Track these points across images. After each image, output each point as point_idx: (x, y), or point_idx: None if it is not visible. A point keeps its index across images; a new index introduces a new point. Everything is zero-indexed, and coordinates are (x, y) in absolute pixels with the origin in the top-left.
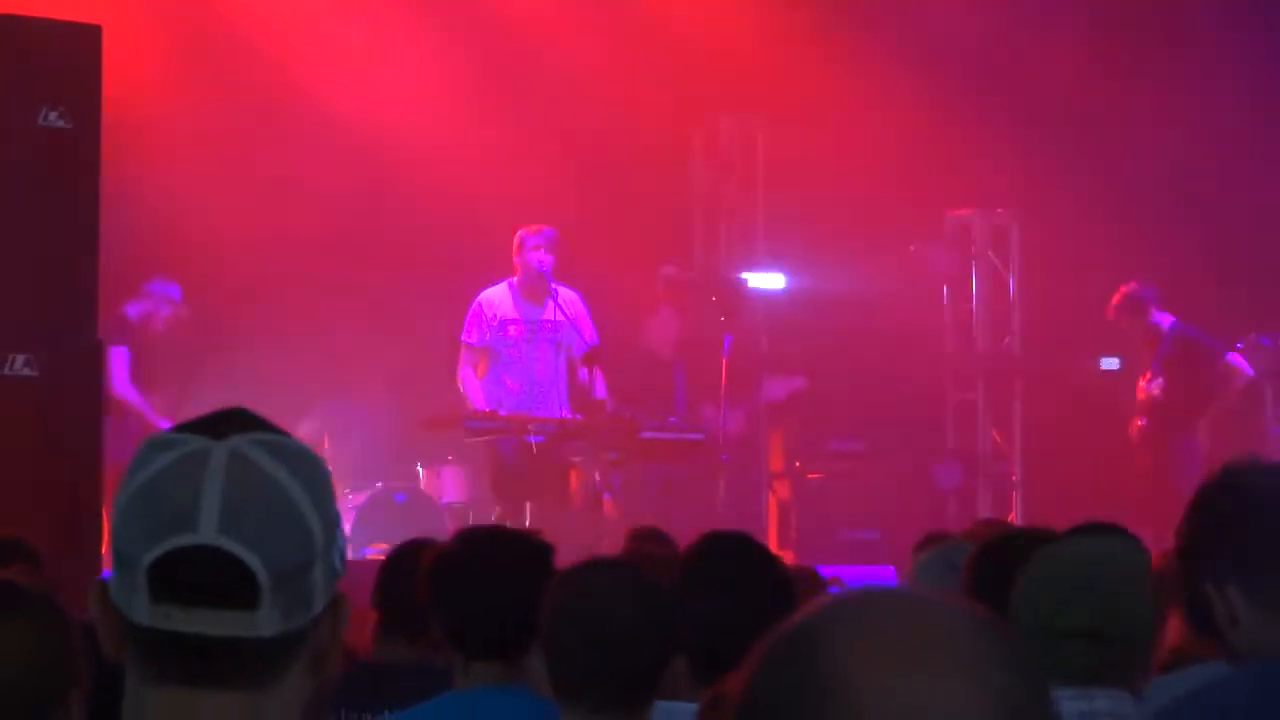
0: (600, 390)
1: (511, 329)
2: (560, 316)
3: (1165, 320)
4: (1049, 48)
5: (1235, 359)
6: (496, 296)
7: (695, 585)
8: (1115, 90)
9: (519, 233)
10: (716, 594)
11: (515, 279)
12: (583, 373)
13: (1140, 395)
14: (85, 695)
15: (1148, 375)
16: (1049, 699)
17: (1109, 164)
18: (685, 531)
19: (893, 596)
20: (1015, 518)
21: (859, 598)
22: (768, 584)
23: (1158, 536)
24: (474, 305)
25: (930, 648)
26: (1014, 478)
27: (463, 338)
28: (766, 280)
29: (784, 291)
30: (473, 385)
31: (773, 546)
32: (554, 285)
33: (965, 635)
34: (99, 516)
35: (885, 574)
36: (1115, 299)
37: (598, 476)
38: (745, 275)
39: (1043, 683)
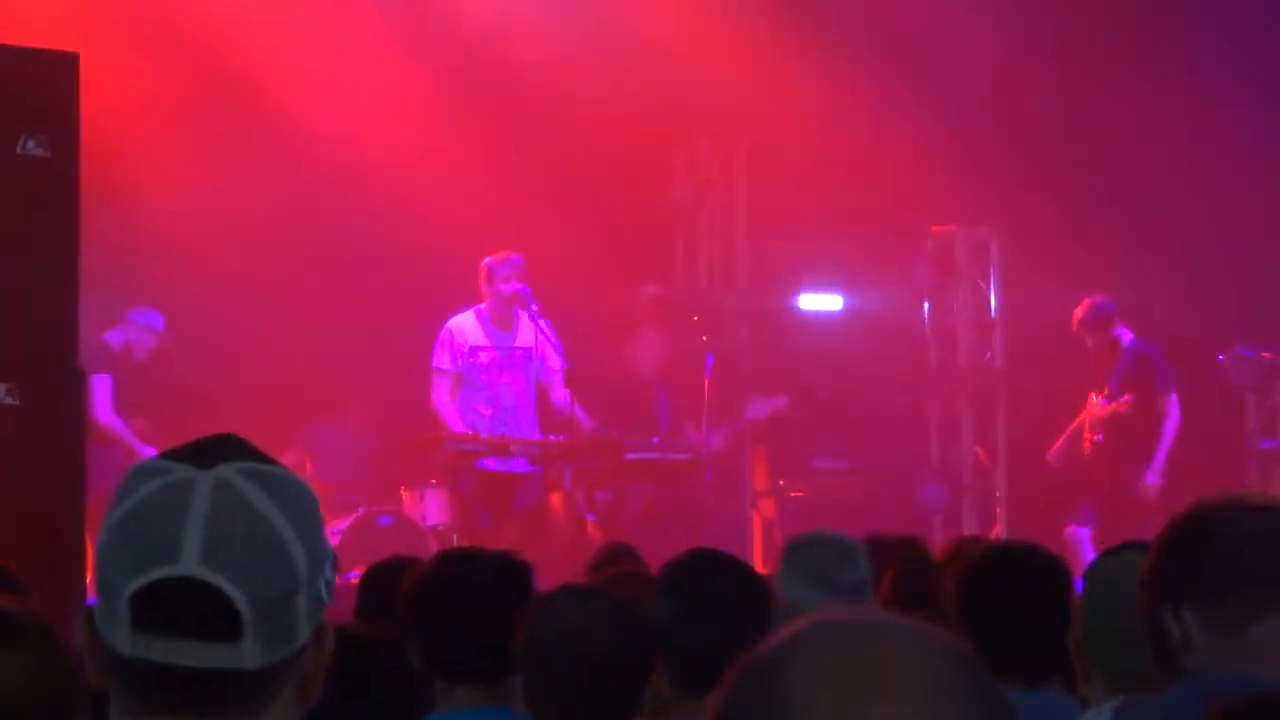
0: (581, 415)
1: (482, 355)
2: (535, 343)
3: (1125, 336)
4: (1029, 65)
5: (1173, 403)
6: (466, 324)
7: (674, 603)
8: (1095, 106)
9: (487, 262)
10: (696, 611)
11: (483, 306)
12: (562, 395)
13: (1097, 411)
14: None
15: (1105, 390)
16: None
17: (1089, 179)
18: (669, 552)
19: (854, 624)
20: (1000, 533)
21: (820, 625)
22: (747, 599)
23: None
24: (443, 332)
25: (883, 679)
26: (998, 493)
27: (434, 364)
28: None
29: (767, 309)
30: (449, 410)
31: (758, 565)
32: (534, 309)
33: (921, 666)
34: (82, 545)
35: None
36: (1079, 312)
37: (581, 498)
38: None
39: (1004, 712)
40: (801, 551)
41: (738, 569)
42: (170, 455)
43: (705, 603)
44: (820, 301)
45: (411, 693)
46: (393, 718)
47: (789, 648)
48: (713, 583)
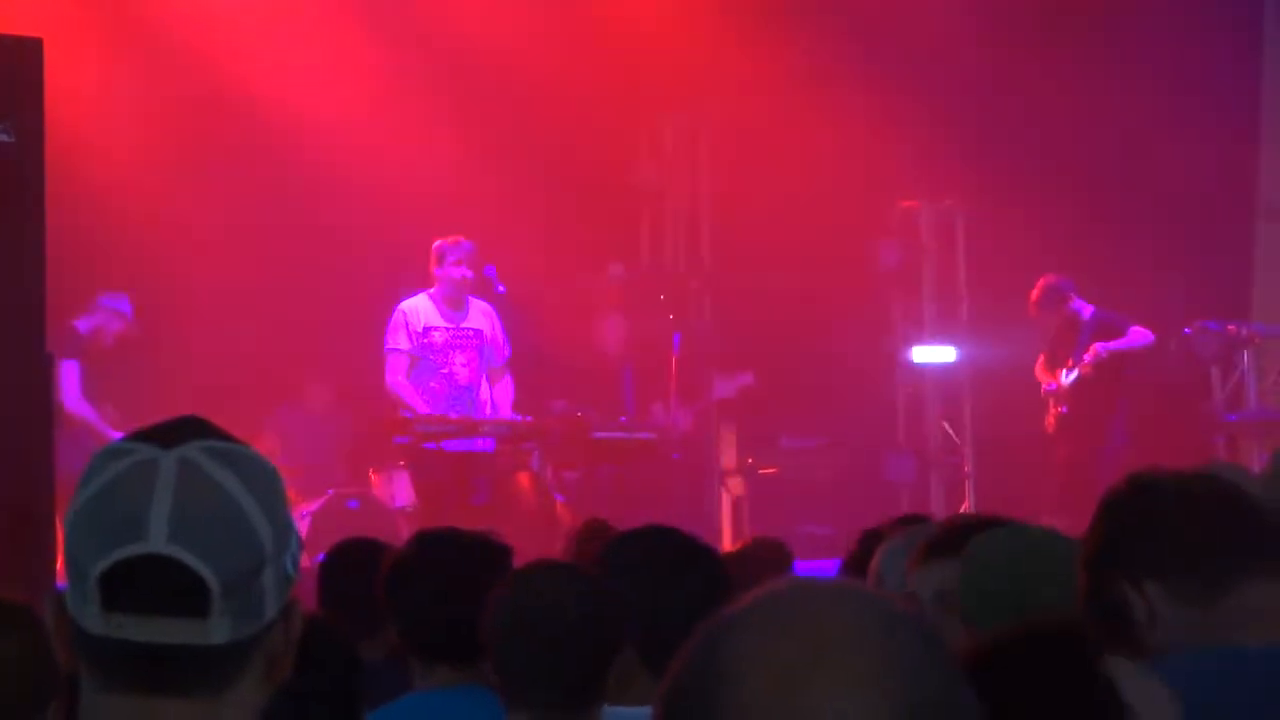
0: (506, 406)
1: (436, 335)
2: (482, 324)
3: (1085, 309)
4: (993, 39)
5: (1140, 329)
6: (419, 305)
7: (627, 578)
8: (1059, 79)
9: (437, 245)
10: (646, 587)
11: (434, 290)
12: (505, 386)
13: (1059, 384)
14: (64, 705)
15: (1069, 364)
16: (958, 701)
17: (1053, 153)
18: None
19: (805, 593)
20: (968, 509)
21: (772, 595)
22: (692, 570)
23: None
24: (395, 314)
25: (823, 649)
26: (966, 469)
27: (390, 345)
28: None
29: (732, 287)
30: (406, 389)
31: (726, 544)
32: (499, 290)
33: (865, 636)
34: (52, 531)
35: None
36: (1034, 294)
37: (549, 478)
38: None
39: (953, 685)
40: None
41: (683, 539)
42: (134, 437)
43: (647, 577)
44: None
45: (351, 672)
46: (334, 698)
47: (740, 616)
48: (661, 555)
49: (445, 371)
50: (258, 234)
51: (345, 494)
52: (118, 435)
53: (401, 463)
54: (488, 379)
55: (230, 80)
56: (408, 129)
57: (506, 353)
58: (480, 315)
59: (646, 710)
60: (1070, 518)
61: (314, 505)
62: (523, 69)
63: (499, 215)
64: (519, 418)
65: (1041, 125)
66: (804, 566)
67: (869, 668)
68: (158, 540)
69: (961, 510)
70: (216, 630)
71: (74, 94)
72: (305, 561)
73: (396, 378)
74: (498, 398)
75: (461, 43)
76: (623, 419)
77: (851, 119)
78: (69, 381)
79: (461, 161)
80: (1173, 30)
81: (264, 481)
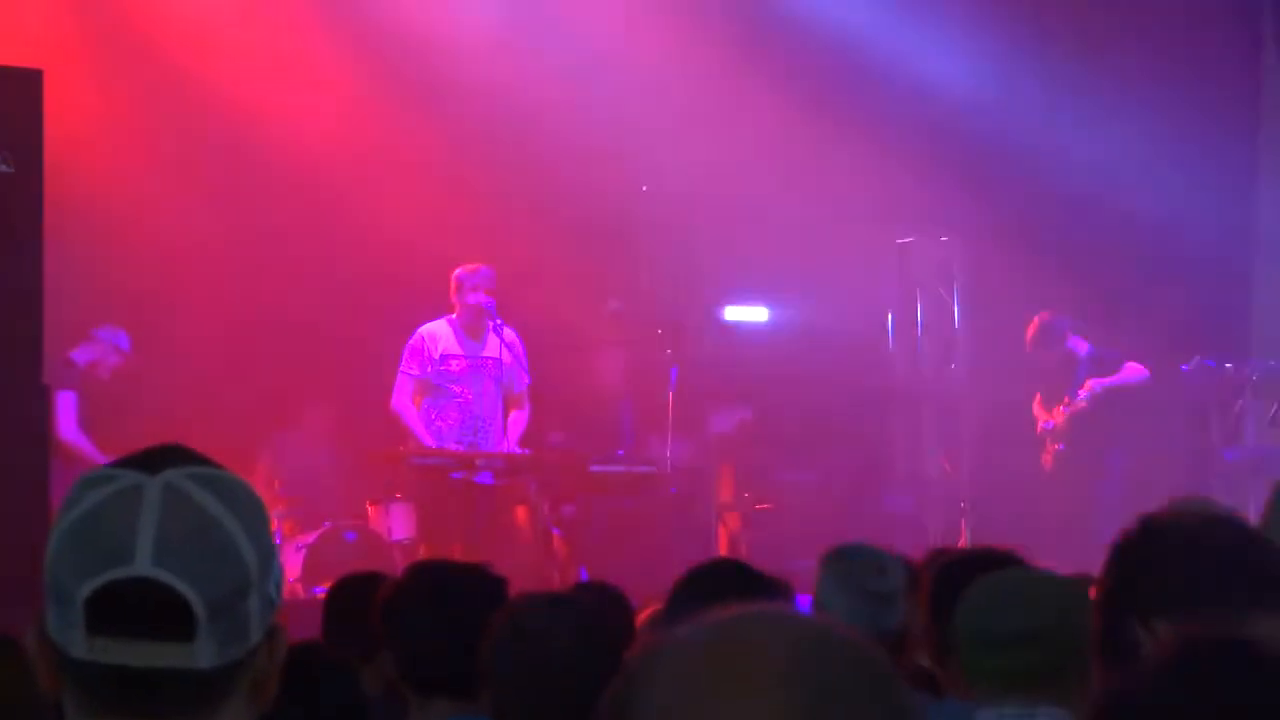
0: (514, 439)
1: (453, 364)
2: (501, 354)
3: (1081, 347)
4: (991, 77)
5: (1135, 365)
6: (438, 331)
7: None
8: (1057, 115)
9: (456, 273)
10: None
11: (454, 317)
12: (521, 416)
13: (1056, 421)
14: None
15: (1066, 401)
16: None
17: (1050, 189)
18: (635, 564)
19: (733, 618)
20: (965, 543)
21: (704, 622)
22: (759, 592)
23: (1085, 561)
24: (415, 338)
25: (731, 675)
26: (963, 504)
27: (403, 369)
28: (744, 313)
29: (731, 322)
30: (412, 414)
31: None
32: (498, 322)
33: (782, 656)
34: None
35: None
36: (1030, 331)
37: (546, 511)
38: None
39: (871, 705)
40: (838, 560)
41: (746, 568)
42: (117, 464)
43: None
44: (782, 313)
45: (354, 692)
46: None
47: (674, 636)
48: (728, 582)
49: (462, 402)
50: (256, 266)
51: (342, 526)
52: None
53: (398, 495)
54: (514, 408)
55: (231, 112)
56: (408, 161)
57: (525, 381)
58: (498, 343)
59: None
60: (1068, 555)
61: (311, 537)
62: (523, 103)
63: (497, 247)
64: (517, 451)
65: (1038, 161)
66: (801, 602)
67: (777, 678)
68: (143, 563)
69: (959, 545)
70: (202, 654)
71: (73, 125)
72: (303, 593)
73: (402, 401)
74: (510, 426)
75: (464, 79)
76: (620, 452)
77: (850, 155)
78: (66, 412)
79: (460, 195)
80: (1172, 63)
81: (248, 506)
